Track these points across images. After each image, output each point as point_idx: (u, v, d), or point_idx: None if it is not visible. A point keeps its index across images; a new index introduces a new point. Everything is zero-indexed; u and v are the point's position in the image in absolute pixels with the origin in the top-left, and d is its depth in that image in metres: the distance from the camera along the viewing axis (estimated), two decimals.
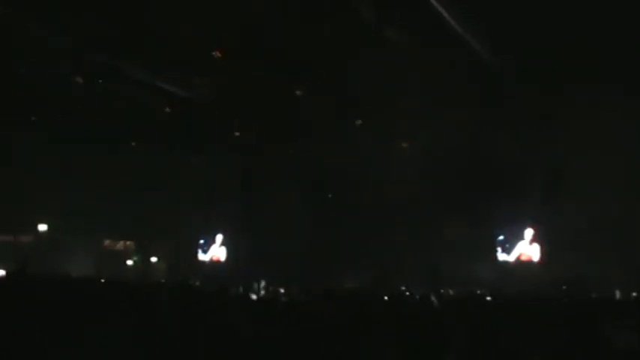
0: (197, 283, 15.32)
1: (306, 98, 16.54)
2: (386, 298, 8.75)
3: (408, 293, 11.44)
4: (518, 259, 19.81)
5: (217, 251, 23.14)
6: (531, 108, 16.53)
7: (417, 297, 9.07)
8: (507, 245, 20.07)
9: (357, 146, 18.33)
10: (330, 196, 21.13)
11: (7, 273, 12.62)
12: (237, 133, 19.51)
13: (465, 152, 18.23)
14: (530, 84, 14.96)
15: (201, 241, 23.40)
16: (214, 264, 22.79)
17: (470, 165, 18.65)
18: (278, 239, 20.06)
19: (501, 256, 20.20)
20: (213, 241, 23.35)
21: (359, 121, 17.77)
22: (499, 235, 20.19)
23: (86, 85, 14.97)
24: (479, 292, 12.83)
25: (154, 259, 23.53)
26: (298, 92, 15.98)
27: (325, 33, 13.09)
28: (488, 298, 10.41)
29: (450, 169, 18.77)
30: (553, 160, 17.36)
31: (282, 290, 13.76)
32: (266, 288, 16.28)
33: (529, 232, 19.67)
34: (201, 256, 23.26)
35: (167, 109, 16.85)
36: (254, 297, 10.98)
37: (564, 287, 14.44)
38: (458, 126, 16.28)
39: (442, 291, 13.20)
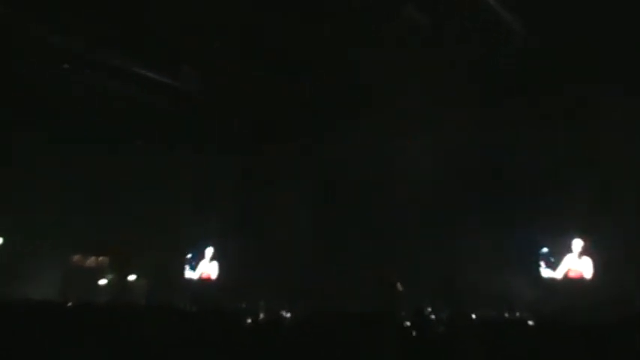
0: (184, 305, 15.49)
1: (308, 96, 17.95)
2: (408, 323, 8.75)
3: (433, 316, 11.34)
4: (565, 275, 19.52)
5: (207, 267, 23.18)
6: (580, 104, 16.67)
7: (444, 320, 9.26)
8: (552, 259, 19.80)
9: (366, 145, 18.82)
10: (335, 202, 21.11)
11: None
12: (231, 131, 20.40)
13: (502, 151, 18.17)
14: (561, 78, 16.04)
15: (189, 256, 23.43)
16: (204, 282, 22.82)
17: (507, 165, 18.57)
18: (278, 251, 20.17)
19: (545, 271, 19.91)
20: (203, 256, 23.39)
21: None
22: (542, 248, 19.83)
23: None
24: (518, 314, 12.94)
25: (131, 277, 23.31)
26: (299, 90, 17.53)
27: (326, 32, 14.63)
28: (531, 323, 10.05)
29: (481, 169, 18.79)
30: (601, 163, 17.14)
31: (285, 313, 13.82)
32: (266, 309, 16.38)
33: (578, 244, 19.44)
34: (189, 274, 23.34)
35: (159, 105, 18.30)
36: (249, 321, 10.92)
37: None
38: (490, 120, 16.82)
39: (471, 314, 12.76)
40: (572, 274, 19.48)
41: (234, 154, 21.65)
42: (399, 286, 14.45)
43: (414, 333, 7.52)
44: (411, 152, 19.00)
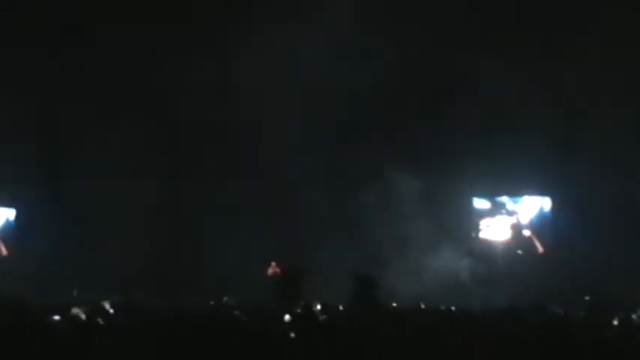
0: None
1: None
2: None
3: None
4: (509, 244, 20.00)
5: None
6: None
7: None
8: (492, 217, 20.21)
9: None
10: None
11: None
12: None
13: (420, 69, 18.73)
14: None
15: None
16: None
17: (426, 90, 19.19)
18: (98, 226, 20.63)
19: (486, 232, 20.13)
20: None
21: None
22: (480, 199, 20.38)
23: None
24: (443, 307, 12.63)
25: None
26: None
27: None
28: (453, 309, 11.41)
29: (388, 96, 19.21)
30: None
31: (108, 307, 13.04)
32: (81, 302, 15.65)
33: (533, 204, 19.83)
34: None
35: None
36: (57, 318, 10.04)
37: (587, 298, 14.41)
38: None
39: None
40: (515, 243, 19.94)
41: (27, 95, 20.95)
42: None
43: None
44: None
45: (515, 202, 19.98)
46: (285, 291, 15.56)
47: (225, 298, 16.28)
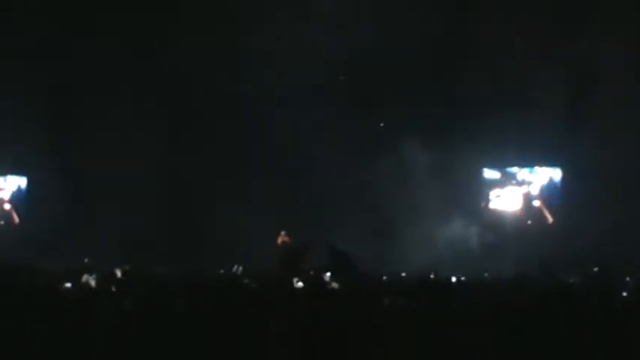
0: None
1: None
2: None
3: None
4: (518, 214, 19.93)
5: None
6: None
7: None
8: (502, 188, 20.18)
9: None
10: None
11: None
12: None
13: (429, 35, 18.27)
14: None
15: None
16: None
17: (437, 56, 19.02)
18: (109, 194, 20.38)
19: (496, 203, 20.07)
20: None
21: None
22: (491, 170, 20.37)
23: None
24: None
25: None
26: None
27: None
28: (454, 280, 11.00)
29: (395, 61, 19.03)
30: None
31: (119, 274, 13.05)
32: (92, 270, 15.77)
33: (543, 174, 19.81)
34: None
35: None
36: (69, 285, 10.13)
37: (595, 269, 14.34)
38: None
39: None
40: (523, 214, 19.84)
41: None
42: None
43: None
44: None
45: (525, 173, 19.77)
46: (292, 261, 15.62)
47: (235, 267, 16.28)
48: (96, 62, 20.64)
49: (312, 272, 12.06)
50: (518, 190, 19.76)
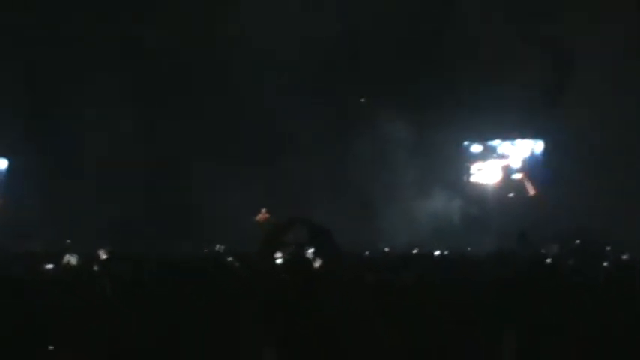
0: None
1: None
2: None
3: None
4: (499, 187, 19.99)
5: None
6: None
7: None
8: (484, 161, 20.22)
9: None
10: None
11: None
12: None
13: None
14: None
15: None
16: None
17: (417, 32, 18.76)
18: (90, 175, 20.43)
19: (478, 176, 20.09)
20: None
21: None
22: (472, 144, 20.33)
23: None
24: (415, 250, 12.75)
25: None
26: None
27: None
28: (437, 253, 11.14)
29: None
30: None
31: (103, 255, 13.00)
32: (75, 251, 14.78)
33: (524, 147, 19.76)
34: None
35: None
36: (50, 266, 10.17)
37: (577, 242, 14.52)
38: None
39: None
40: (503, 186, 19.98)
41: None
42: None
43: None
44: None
45: (507, 146, 19.83)
46: (277, 236, 15.65)
47: (217, 246, 16.32)
48: (71, 45, 20.45)
49: (292, 247, 12.41)
50: (500, 162, 19.77)
